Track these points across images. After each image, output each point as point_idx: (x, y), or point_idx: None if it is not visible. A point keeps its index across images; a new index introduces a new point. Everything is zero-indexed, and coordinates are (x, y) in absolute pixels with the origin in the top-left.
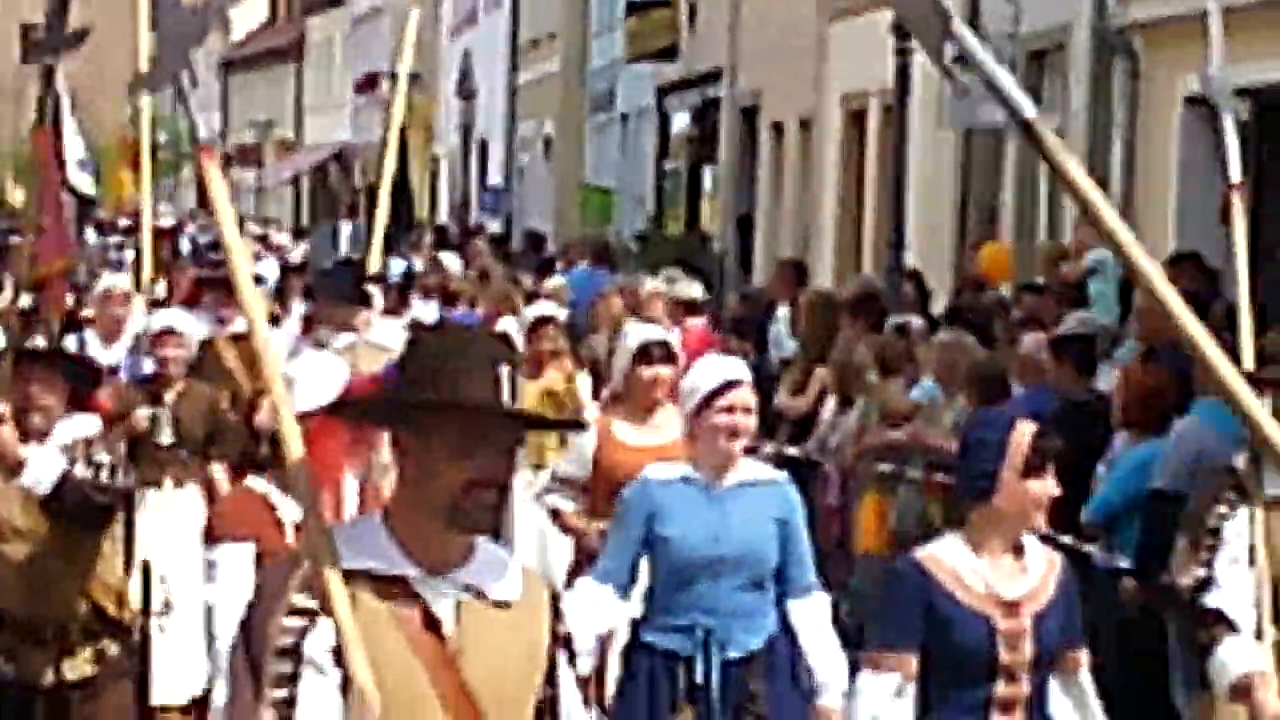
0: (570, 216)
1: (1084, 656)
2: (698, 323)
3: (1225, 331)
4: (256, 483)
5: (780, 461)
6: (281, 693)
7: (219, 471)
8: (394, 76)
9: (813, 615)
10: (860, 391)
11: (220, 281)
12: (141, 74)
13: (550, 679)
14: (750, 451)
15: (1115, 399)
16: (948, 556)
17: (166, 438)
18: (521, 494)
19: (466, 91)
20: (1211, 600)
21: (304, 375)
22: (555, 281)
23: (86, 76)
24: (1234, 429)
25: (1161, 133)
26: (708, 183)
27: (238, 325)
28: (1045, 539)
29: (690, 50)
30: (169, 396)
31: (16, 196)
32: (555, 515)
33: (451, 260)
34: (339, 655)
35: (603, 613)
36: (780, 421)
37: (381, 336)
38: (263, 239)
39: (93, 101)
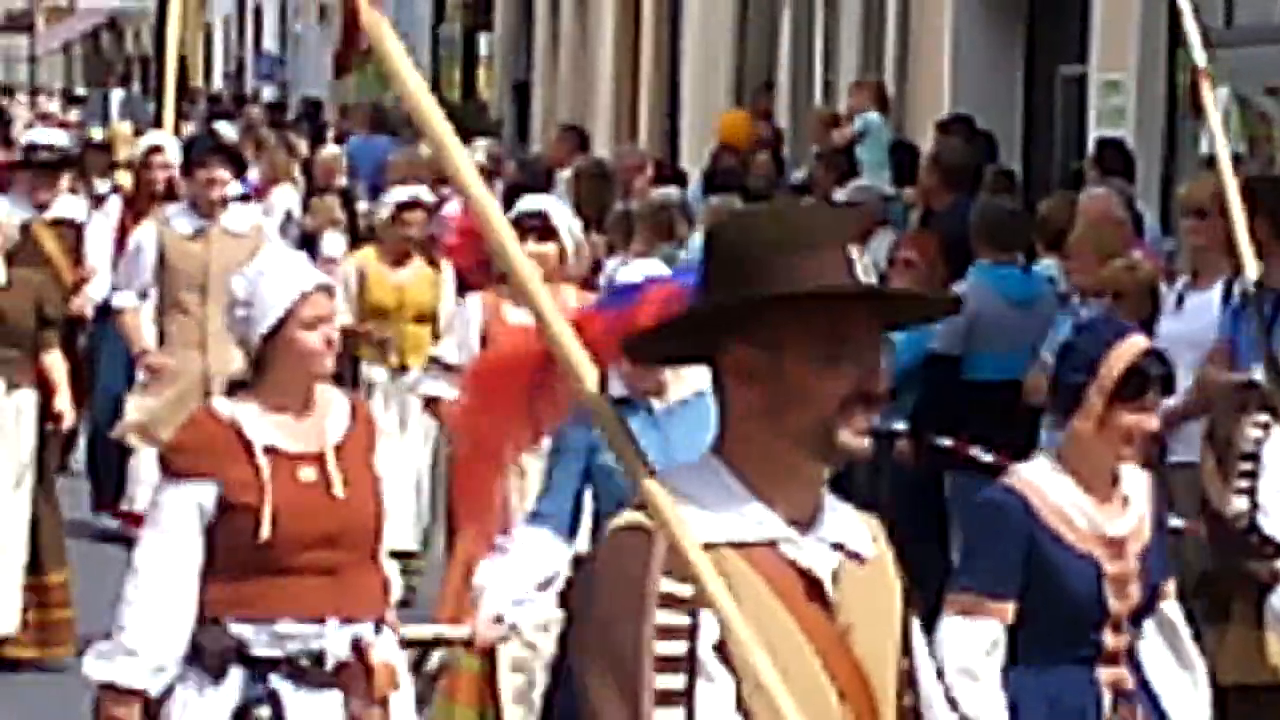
0: (345, 84)
1: (1172, 585)
2: None
3: (1003, 195)
4: (223, 405)
5: None
6: (675, 714)
7: (55, 362)
8: None
9: None
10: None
11: (39, 165)
12: None
13: (905, 646)
14: None
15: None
16: (1046, 485)
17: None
18: (382, 399)
19: None
20: (1269, 527)
21: (274, 272)
22: (330, 150)
23: None
24: (1011, 292)
25: None
26: (484, 49)
27: (57, 209)
28: None
29: None
30: None
31: None
32: (431, 403)
33: (226, 128)
34: (724, 655)
35: (544, 559)
36: None
37: (237, 223)
38: (32, 105)
39: None
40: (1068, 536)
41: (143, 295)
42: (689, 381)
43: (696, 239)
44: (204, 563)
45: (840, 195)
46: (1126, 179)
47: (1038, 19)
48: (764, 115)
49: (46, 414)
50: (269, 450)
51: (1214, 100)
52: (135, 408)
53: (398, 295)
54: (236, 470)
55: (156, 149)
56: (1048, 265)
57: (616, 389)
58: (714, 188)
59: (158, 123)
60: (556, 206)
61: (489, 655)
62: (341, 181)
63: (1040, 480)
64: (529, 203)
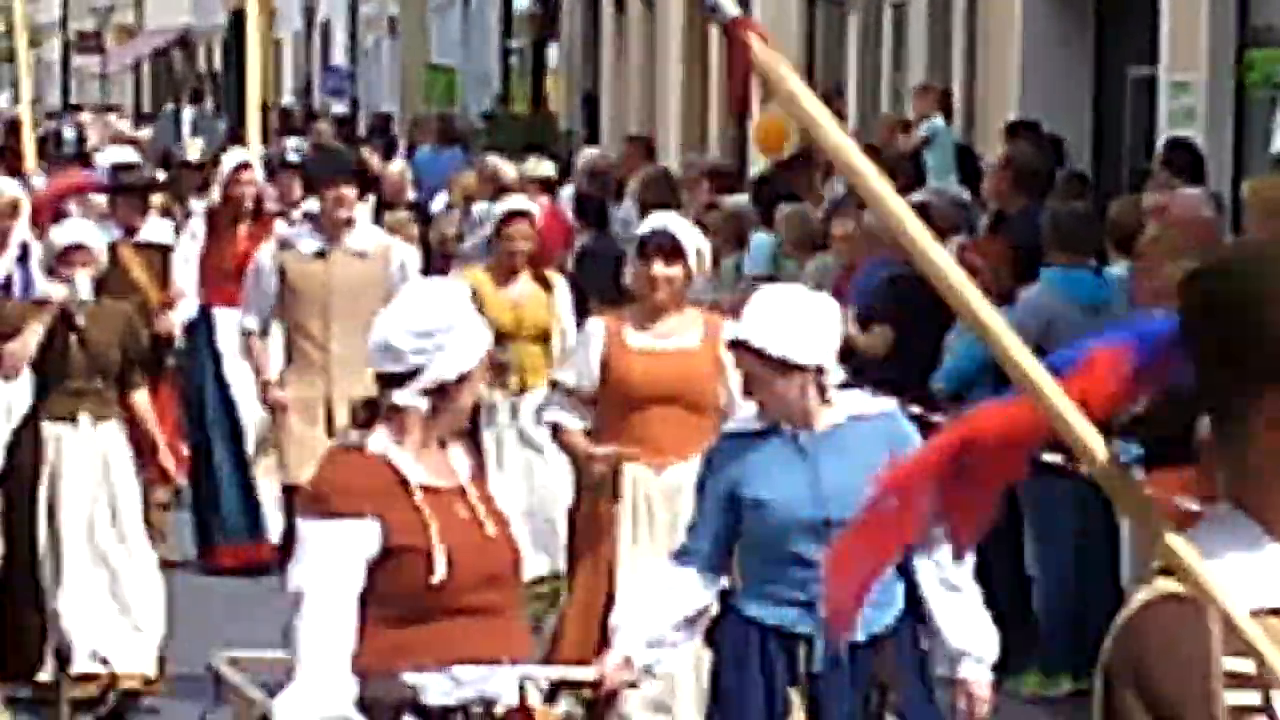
0: (415, 97)
1: None
2: (545, 201)
3: (1076, 199)
4: (374, 441)
5: None
6: None
7: (143, 400)
8: None
9: (944, 572)
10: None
11: (128, 188)
12: None
13: None
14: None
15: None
16: None
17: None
18: (504, 424)
19: None
20: None
21: (470, 308)
22: (397, 165)
23: None
24: (1083, 296)
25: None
26: (552, 61)
27: (145, 233)
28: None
29: None
30: (79, 319)
31: None
32: (556, 431)
33: (296, 144)
34: None
35: (685, 598)
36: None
37: (362, 243)
38: (103, 124)
39: None
40: None
41: (265, 324)
42: (840, 407)
43: (759, 239)
44: (368, 610)
45: (914, 199)
46: (1196, 179)
47: (1106, 21)
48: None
49: (141, 454)
50: (424, 488)
51: None
52: (263, 444)
53: (514, 314)
54: (398, 509)
55: (244, 166)
56: (1122, 267)
57: (758, 420)
58: (764, 196)
59: (235, 139)
60: (682, 225)
61: (607, 701)
62: (410, 195)
63: None
64: (655, 221)
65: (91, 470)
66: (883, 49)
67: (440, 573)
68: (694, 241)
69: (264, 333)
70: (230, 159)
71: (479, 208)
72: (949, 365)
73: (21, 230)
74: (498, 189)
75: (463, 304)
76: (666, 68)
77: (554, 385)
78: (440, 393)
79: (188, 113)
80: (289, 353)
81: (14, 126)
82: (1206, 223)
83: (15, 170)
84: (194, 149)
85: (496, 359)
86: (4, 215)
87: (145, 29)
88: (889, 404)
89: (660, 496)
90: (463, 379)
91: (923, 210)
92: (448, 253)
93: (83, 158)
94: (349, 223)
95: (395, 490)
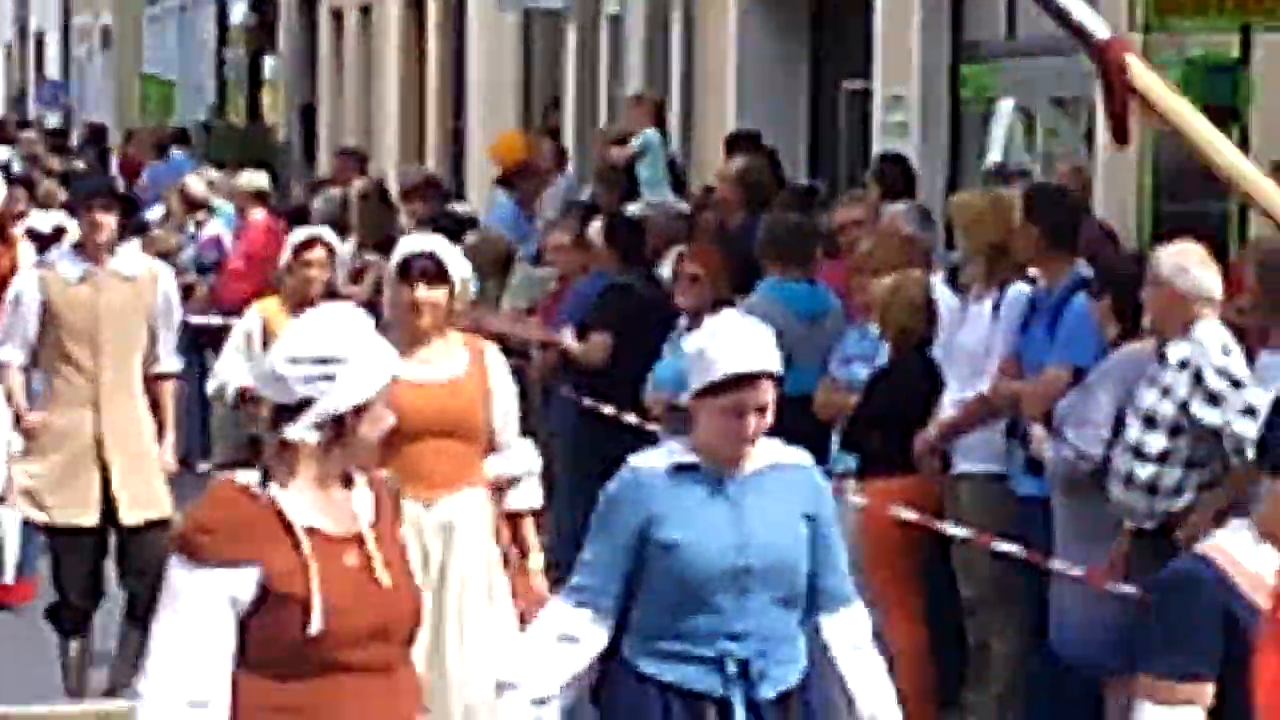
0: (130, 108)
1: None
2: (261, 214)
3: (794, 211)
4: (256, 479)
5: None
6: None
7: None
8: None
9: (852, 633)
10: None
11: None
12: None
13: None
14: None
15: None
16: (1241, 553)
17: None
18: None
19: None
20: None
21: (371, 334)
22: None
23: None
24: (800, 307)
25: (718, 12)
26: (269, 72)
27: None
28: (612, 419)
29: None
30: None
31: None
32: None
33: (5, 154)
34: None
35: (581, 646)
36: None
37: (128, 266)
38: None
39: None
40: (1268, 608)
41: (27, 356)
42: (764, 453)
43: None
44: (241, 664)
45: (632, 210)
46: (908, 193)
47: (822, 34)
48: (551, 134)
49: None
50: (310, 532)
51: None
52: (21, 472)
53: None
54: (279, 555)
55: None
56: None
57: (685, 456)
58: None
59: None
60: (445, 246)
61: None
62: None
63: (1232, 546)
64: (415, 243)
65: None
66: (600, 61)
67: (317, 624)
68: (458, 265)
69: (25, 366)
70: None
71: (193, 221)
72: (666, 376)
73: None
74: (189, 203)
75: (359, 331)
76: (384, 79)
77: None
78: (336, 425)
79: None
80: (48, 386)
81: None
82: (911, 238)
83: None
84: None
85: None
86: None
87: None
88: (805, 456)
89: (432, 533)
90: (360, 410)
91: (641, 223)
92: (168, 264)
93: None
94: (110, 246)
95: (277, 533)
